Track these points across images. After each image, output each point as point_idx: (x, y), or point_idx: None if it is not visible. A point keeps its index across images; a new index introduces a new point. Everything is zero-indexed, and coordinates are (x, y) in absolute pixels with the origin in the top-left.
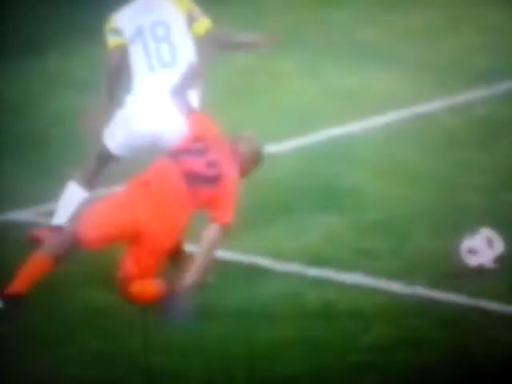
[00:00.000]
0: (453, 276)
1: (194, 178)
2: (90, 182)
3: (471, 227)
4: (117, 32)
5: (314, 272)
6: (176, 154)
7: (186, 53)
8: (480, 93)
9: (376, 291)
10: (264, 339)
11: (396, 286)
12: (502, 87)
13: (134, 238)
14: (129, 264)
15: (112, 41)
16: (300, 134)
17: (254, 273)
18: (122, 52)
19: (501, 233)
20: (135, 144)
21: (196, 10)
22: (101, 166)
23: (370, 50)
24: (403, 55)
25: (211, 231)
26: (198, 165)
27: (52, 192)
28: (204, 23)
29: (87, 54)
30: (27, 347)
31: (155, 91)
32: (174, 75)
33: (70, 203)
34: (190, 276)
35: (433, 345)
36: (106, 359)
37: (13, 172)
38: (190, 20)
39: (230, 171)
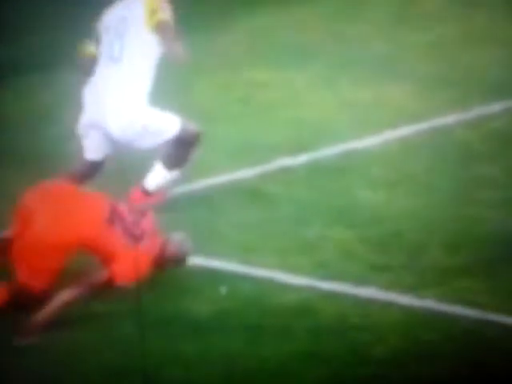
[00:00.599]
0: (464, 290)
1: (116, 219)
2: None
3: (485, 241)
4: (96, 31)
5: (326, 286)
6: (117, 202)
7: (134, 51)
8: (495, 107)
9: (388, 305)
10: (277, 352)
11: (408, 300)
12: None
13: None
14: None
15: (87, 47)
16: (314, 147)
17: (267, 286)
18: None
19: None
20: (88, 140)
21: (161, 4)
22: (86, 172)
23: (385, 64)
24: (418, 69)
25: (99, 278)
26: (128, 215)
27: None
28: (157, 16)
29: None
30: (32, 364)
31: (100, 84)
32: (118, 71)
33: None
34: (46, 310)
35: (444, 358)
36: (112, 371)
37: (23, 187)
38: (152, 14)
39: (150, 249)
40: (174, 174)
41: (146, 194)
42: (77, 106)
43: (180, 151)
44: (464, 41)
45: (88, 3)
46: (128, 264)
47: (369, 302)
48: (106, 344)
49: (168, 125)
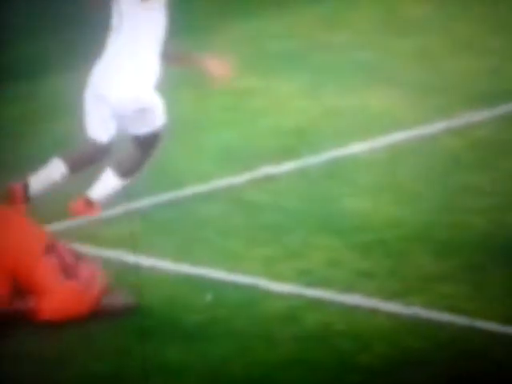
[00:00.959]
0: (450, 297)
1: (52, 255)
2: (74, 165)
3: (471, 249)
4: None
5: (312, 293)
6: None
7: (132, 24)
8: (481, 115)
9: (374, 312)
10: (262, 360)
11: (394, 307)
12: (503, 109)
13: None
14: None
15: None
16: (300, 155)
17: (252, 294)
18: None
19: (501, 256)
20: (93, 112)
21: None
22: (88, 154)
23: (371, 72)
24: (404, 77)
25: (20, 307)
26: (66, 255)
27: (53, 214)
28: None
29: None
30: (26, 369)
31: (106, 56)
32: (120, 43)
33: (47, 175)
34: None
35: (431, 365)
36: (104, 381)
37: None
38: None
39: (82, 294)
40: (123, 183)
41: (89, 204)
42: (64, 114)
43: (141, 154)
44: (450, 48)
45: (78, 10)
46: (54, 302)
47: (354, 309)
48: (104, 356)
49: (160, 115)
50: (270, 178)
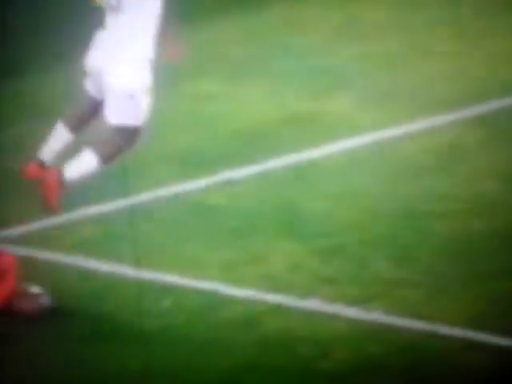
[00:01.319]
0: (411, 302)
1: None
2: (77, 123)
3: (431, 254)
4: None
5: (272, 298)
6: None
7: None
8: (441, 119)
9: (335, 318)
10: (223, 366)
11: (355, 313)
12: (462, 114)
13: None
14: None
15: None
16: (260, 159)
17: (212, 299)
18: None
19: (463, 261)
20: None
21: None
22: (88, 109)
23: (331, 77)
24: (365, 82)
25: None
26: None
27: (20, 215)
28: None
29: (62, 82)
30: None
31: (105, 33)
32: (117, 21)
33: (53, 141)
34: None
35: (392, 371)
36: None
37: None
38: None
39: None
40: (98, 167)
41: (61, 181)
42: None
43: (123, 143)
44: (409, 53)
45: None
46: None
47: (315, 315)
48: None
49: (144, 111)
50: (230, 183)
